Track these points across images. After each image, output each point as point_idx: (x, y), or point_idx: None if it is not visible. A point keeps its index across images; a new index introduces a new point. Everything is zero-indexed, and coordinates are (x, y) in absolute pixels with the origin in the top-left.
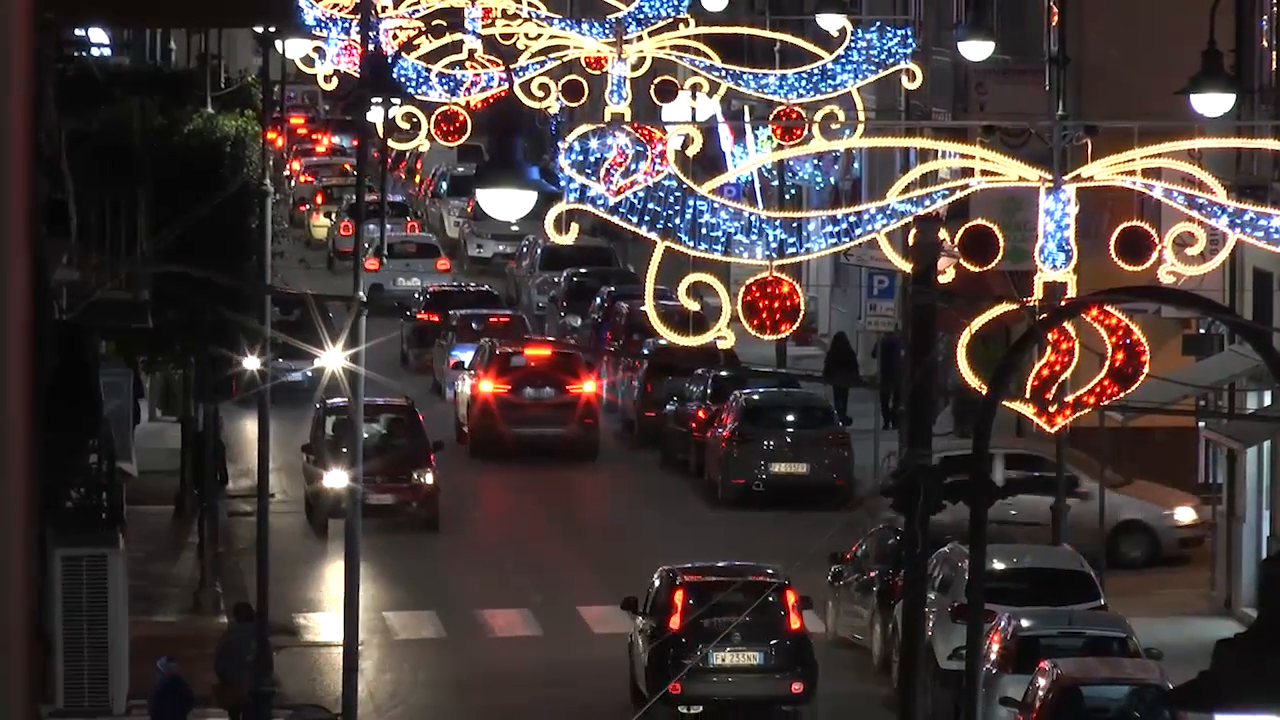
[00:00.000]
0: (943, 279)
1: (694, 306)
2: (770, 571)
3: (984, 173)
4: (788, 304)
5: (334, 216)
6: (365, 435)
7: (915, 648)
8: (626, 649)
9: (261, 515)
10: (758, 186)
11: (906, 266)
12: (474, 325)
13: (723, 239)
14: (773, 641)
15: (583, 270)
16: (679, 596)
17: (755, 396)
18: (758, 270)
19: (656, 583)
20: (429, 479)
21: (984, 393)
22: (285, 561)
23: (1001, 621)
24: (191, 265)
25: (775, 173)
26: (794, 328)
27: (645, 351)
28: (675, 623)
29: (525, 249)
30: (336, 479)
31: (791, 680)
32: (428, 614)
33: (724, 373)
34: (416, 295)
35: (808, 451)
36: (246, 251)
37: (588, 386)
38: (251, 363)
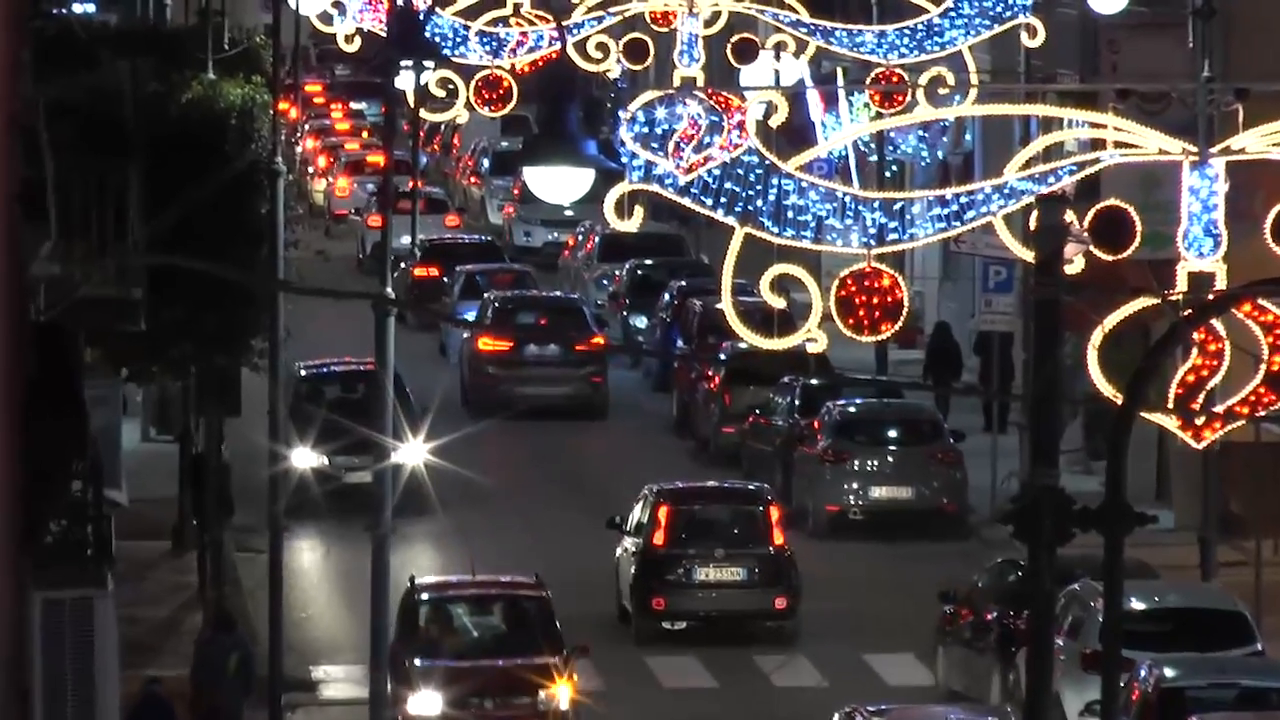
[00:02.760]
0: (1070, 269)
1: (779, 303)
2: (758, 490)
3: (1117, 145)
4: (888, 299)
5: (331, 177)
6: (475, 633)
7: (1041, 702)
8: (614, 568)
9: (274, 551)
10: (853, 162)
11: (1027, 255)
12: (478, 280)
13: (812, 224)
14: (756, 557)
15: (648, 261)
16: (663, 514)
17: (851, 409)
18: (853, 260)
19: (641, 503)
20: (563, 701)
21: (1119, 402)
22: (301, 606)
23: (1142, 671)
24: (191, 257)
25: (873, 146)
26: (896, 327)
27: (722, 357)
28: (659, 539)
29: (581, 237)
30: (429, 703)
31: (775, 595)
32: None
33: (814, 381)
34: (414, 251)
35: (913, 472)
36: (255, 240)
37: (595, 342)
38: (303, 458)
